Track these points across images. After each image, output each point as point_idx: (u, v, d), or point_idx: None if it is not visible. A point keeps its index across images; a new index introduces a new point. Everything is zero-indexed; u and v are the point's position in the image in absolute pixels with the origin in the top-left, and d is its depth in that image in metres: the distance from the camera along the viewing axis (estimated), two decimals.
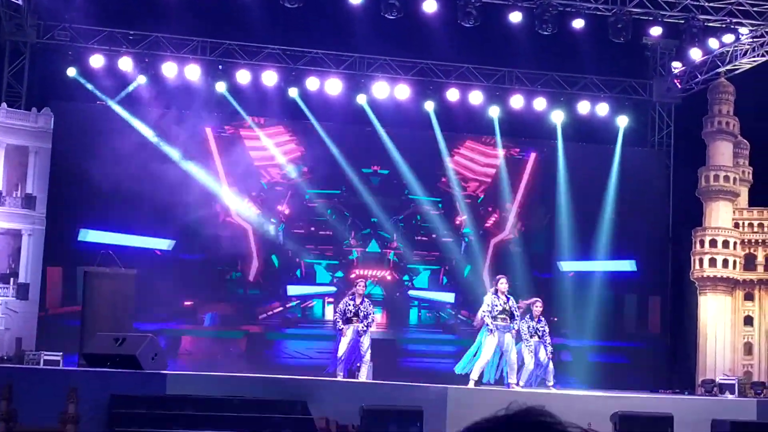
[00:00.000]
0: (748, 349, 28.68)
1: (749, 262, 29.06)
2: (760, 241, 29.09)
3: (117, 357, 15.76)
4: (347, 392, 16.37)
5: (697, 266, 28.81)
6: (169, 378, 15.38)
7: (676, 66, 29.60)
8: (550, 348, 19.10)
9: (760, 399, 20.60)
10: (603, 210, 28.82)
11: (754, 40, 27.36)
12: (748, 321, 28.90)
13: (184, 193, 26.16)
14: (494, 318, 18.20)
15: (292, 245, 28.26)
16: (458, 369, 18.67)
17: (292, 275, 28.42)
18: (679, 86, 29.86)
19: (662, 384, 26.95)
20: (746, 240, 29.09)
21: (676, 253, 29.83)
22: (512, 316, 18.32)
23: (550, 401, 16.03)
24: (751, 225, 29.23)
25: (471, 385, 17.94)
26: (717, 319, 28.56)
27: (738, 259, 28.79)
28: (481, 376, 18.17)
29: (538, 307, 19.14)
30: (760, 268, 28.98)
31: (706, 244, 28.73)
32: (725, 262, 28.57)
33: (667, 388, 26.38)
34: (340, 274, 28.22)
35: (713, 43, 27.80)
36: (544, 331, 18.99)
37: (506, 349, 18.24)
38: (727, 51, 27.92)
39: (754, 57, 27.73)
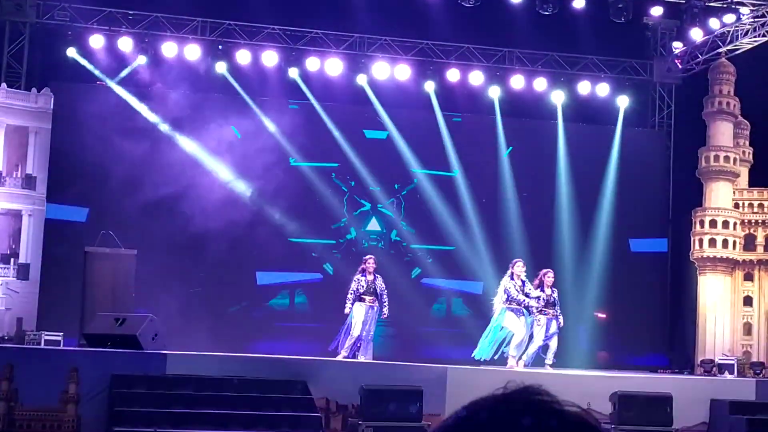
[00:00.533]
0: (748, 329, 28.74)
1: (749, 243, 29.07)
2: (760, 221, 29.09)
3: (117, 337, 15.82)
4: (347, 372, 16.44)
5: (697, 246, 28.82)
6: (170, 358, 15.44)
7: (677, 46, 29.54)
8: (561, 319, 19.17)
9: (758, 379, 20.66)
10: (603, 190, 28.81)
11: (755, 20, 27.29)
12: (748, 301, 28.94)
13: (180, 171, 26.16)
14: (509, 302, 18.37)
15: (276, 221, 27.21)
16: (477, 354, 18.78)
17: (272, 259, 27.19)
18: (680, 66, 29.80)
19: (661, 364, 27.02)
20: (746, 220, 29.09)
21: (676, 233, 29.84)
22: (527, 297, 18.48)
23: (550, 381, 16.09)
24: (751, 205, 29.22)
25: (512, 363, 18.06)
26: (716, 299, 28.59)
27: (738, 240, 28.81)
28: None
29: (549, 278, 19.23)
30: (760, 249, 28.99)
31: (706, 225, 28.73)
32: (725, 243, 28.58)
33: (666, 368, 26.46)
34: (338, 255, 27.96)
35: (714, 23, 27.74)
36: (556, 300, 19.06)
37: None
38: (728, 31, 27.85)
39: (755, 37, 27.67)
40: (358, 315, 18.64)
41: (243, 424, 14.06)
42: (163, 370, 15.08)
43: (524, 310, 18.56)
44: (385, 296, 18.98)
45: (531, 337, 18.82)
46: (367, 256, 19.76)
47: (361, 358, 18.43)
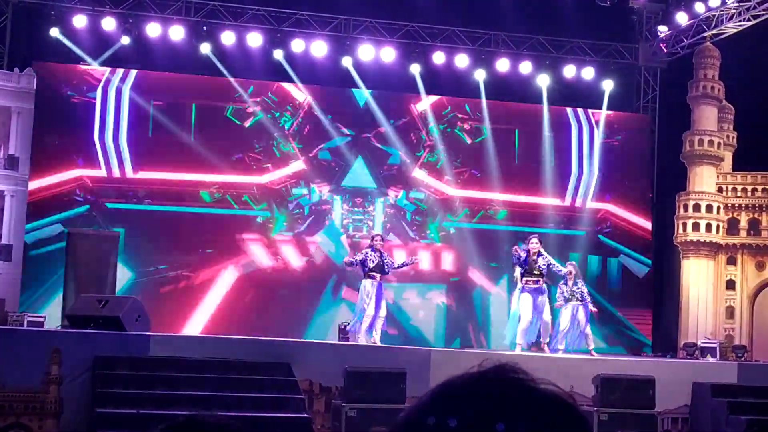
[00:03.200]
0: (730, 313, 28.87)
1: (732, 227, 29.18)
2: (743, 205, 29.19)
3: (100, 318, 15.78)
4: (331, 354, 16.46)
5: (681, 230, 28.91)
6: (153, 339, 15.42)
7: (662, 30, 29.53)
8: (591, 306, 19.15)
9: (740, 362, 20.76)
10: (587, 174, 28.82)
11: (740, 4, 27.31)
12: (731, 285, 29.06)
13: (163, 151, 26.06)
14: (523, 276, 18.33)
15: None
16: (509, 341, 18.82)
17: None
18: (665, 50, 29.81)
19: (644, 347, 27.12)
20: (729, 204, 29.19)
21: (660, 217, 29.91)
22: (542, 276, 18.44)
23: (533, 364, 16.15)
24: (734, 189, 29.31)
25: (518, 350, 18.03)
26: (699, 283, 28.71)
27: (721, 224, 28.90)
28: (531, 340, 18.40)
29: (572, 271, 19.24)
30: (743, 233, 29.10)
31: (690, 209, 28.81)
32: (708, 227, 28.67)
33: (649, 351, 26.54)
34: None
35: (699, 7, 27.77)
36: (581, 292, 19.01)
37: (540, 309, 18.35)
38: (713, 15, 27.87)
39: (739, 21, 27.69)
40: (370, 291, 18.42)
41: (226, 406, 14.03)
42: (146, 351, 15.06)
43: (543, 287, 18.45)
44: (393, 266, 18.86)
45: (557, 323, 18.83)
46: (376, 234, 19.85)
47: (377, 335, 18.17)
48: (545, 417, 1.53)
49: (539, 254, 18.52)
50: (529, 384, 1.57)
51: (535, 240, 18.78)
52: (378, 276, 18.48)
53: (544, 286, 18.49)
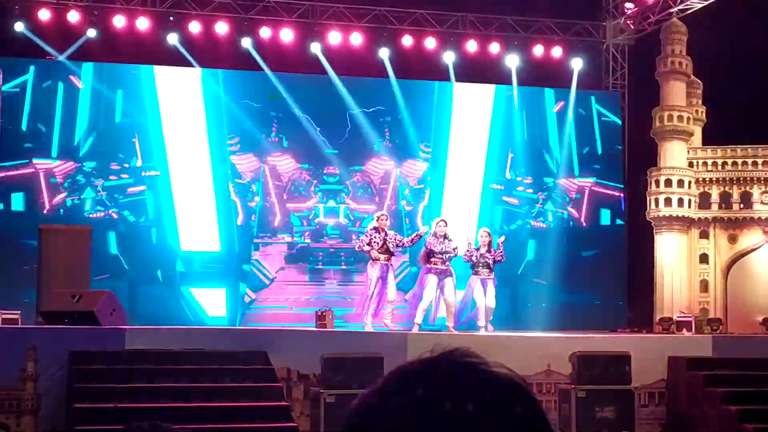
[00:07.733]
0: (704, 286, 29.04)
1: (704, 201, 29.32)
2: (714, 179, 29.33)
3: (75, 313, 15.73)
4: (308, 341, 16.52)
5: (653, 206, 29.04)
6: (128, 333, 15.41)
7: (629, 7, 29.61)
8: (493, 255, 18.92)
9: (715, 335, 20.94)
10: (558, 151, 28.95)
11: None
12: (704, 259, 29.23)
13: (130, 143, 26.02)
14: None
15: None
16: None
17: None
18: (632, 27, 29.89)
19: (620, 323, 27.26)
20: (700, 179, 29.33)
21: (632, 193, 30.05)
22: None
23: (509, 343, 16.22)
24: (705, 164, 29.44)
25: (415, 330, 18.01)
26: (673, 257, 28.86)
27: (693, 198, 29.04)
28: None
29: (483, 238, 18.95)
30: (715, 206, 29.25)
31: (662, 184, 28.92)
32: (680, 201, 28.81)
33: (625, 327, 26.69)
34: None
35: None
36: (489, 263, 18.74)
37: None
38: None
39: None
40: (372, 276, 18.32)
41: (204, 397, 14.06)
42: (121, 345, 15.04)
43: (450, 271, 18.34)
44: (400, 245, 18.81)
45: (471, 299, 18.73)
46: (381, 213, 19.57)
47: (387, 321, 18.18)
48: (496, 398, 1.54)
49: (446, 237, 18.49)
50: (480, 367, 1.58)
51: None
52: (383, 258, 18.39)
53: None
